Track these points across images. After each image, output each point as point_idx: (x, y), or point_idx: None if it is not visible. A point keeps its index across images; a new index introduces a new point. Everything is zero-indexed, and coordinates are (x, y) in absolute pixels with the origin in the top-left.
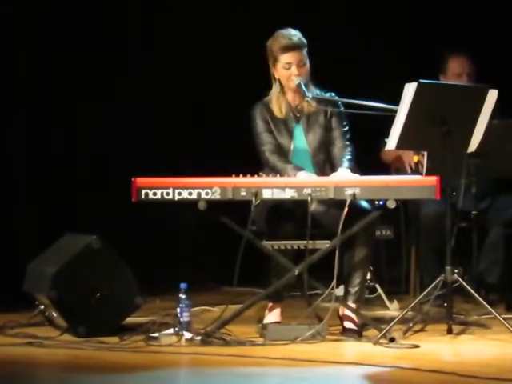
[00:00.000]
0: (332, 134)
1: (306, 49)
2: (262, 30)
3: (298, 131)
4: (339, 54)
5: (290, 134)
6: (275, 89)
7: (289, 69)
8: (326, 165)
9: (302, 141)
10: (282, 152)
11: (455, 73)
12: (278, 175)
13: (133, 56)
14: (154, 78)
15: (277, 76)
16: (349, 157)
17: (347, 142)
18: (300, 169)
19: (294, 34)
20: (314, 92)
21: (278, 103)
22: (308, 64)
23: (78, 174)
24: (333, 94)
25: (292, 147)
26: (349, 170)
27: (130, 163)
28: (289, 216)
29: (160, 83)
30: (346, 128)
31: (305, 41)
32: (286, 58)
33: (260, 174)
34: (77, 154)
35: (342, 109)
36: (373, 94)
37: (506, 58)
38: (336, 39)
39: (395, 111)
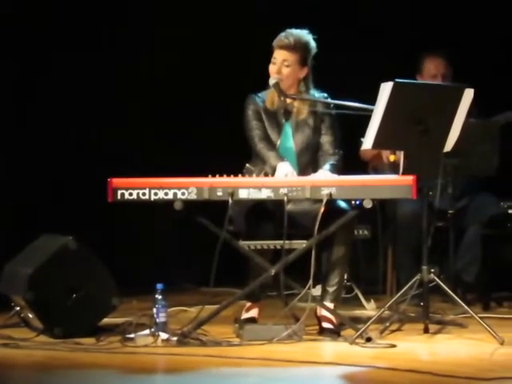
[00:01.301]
0: (320, 138)
1: (302, 54)
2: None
3: (287, 129)
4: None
5: (279, 129)
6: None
7: (274, 64)
8: (309, 167)
9: (289, 139)
10: (271, 142)
11: (430, 74)
12: (263, 164)
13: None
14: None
15: None
16: (333, 162)
17: (336, 150)
18: (282, 159)
19: (295, 36)
20: (308, 95)
21: (272, 95)
22: (298, 68)
23: (55, 173)
24: (325, 95)
25: (279, 144)
26: (327, 172)
27: (109, 163)
28: (268, 216)
29: (139, 82)
30: (337, 134)
31: (304, 45)
32: (275, 53)
33: (246, 165)
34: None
35: (333, 113)
36: (350, 93)
37: (483, 58)
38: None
39: (372, 111)
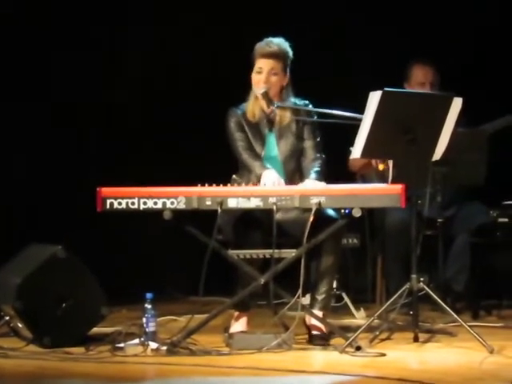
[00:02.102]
0: (303, 144)
1: (285, 61)
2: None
3: (271, 138)
4: (305, 62)
5: (263, 140)
6: (252, 93)
7: (259, 74)
8: (295, 174)
9: (273, 148)
10: (255, 153)
11: (418, 81)
12: (250, 174)
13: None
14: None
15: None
16: (317, 169)
17: (318, 154)
18: (267, 168)
19: (277, 43)
20: (290, 102)
21: (252, 107)
22: (282, 76)
23: (43, 183)
24: (307, 103)
25: (264, 154)
26: (316, 182)
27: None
28: (256, 225)
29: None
30: (318, 139)
31: (286, 53)
32: (259, 63)
33: (233, 176)
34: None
35: (315, 118)
36: (339, 102)
37: (471, 66)
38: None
39: (361, 120)
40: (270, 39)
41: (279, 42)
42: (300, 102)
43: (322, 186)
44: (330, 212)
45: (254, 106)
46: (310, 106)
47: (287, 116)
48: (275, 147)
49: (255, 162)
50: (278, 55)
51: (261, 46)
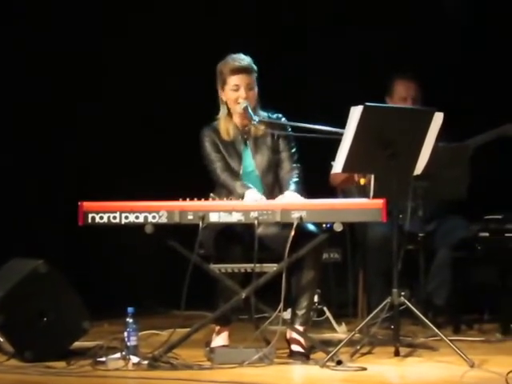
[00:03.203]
0: (279, 156)
1: (255, 74)
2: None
3: (247, 154)
4: (288, 77)
5: (239, 157)
6: (223, 112)
7: (237, 91)
8: (275, 186)
9: (250, 163)
10: (233, 172)
11: (401, 96)
12: (228, 195)
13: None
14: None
15: (224, 99)
16: (296, 179)
17: (294, 165)
18: (248, 187)
19: (244, 59)
20: (261, 115)
21: (225, 126)
22: (256, 89)
23: (27, 196)
24: (280, 116)
25: (241, 170)
26: (295, 193)
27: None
28: (237, 239)
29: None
30: (294, 150)
31: (254, 67)
32: (234, 80)
33: (211, 194)
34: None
35: (290, 130)
36: (320, 117)
37: (452, 82)
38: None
39: (342, 134)
40: (236, 55)
41: (245, 57)
42: (272, 115)
43: (301, 198)
44: (310, 226)
45: (227, 125)
46: (284, 119)
47: (261, 129)
48: (252, 162)
49: (236, 182)
50: (249, 70)
51: (230, 63)
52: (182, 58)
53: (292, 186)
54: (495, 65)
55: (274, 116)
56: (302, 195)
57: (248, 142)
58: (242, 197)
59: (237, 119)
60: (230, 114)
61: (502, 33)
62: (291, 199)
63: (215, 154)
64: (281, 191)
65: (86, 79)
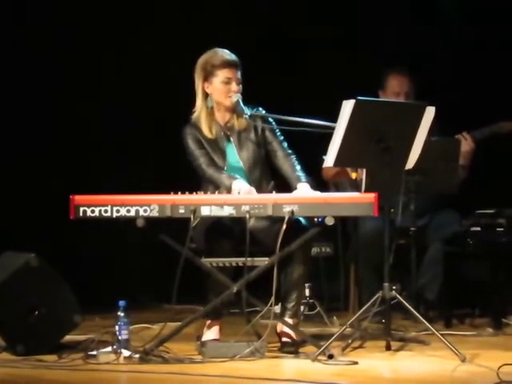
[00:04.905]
0: (270, 147)
1: (241, 70)
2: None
3: (230, 150)
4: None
5: (223, 154)
6: (202, 106)
7: (228, 83)
8: (262, 181)
9: (235, 159)
10: (218, 167)
11: (394, 91)
12: (215, 188)
13: None
14: None
15: (210, 91)
16: (299, 167)
17: (289, 151)
18: (235, 178)
19: (231, 53)
20: (246, 109)
21: (207, 123)
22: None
23: (16, 189)
24: (260, 109)
25: (226, 166)
26: (308, 185)
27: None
28: (227, 233)
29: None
30: (282, 138)
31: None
32: (226, 73)
33: (198, 192)
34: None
35: (274, 124)
36: (312, 110)
37: (445, 76)
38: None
39: (334, 128)
40: (221, 50)
41: (229, 52)
42: (252, 109)
43: (317, 192)
44: (302, 220)
45: (209, 122)
46: (264, 112)
47: (243, 122)
48: (237, 158)
49: (222, 175)
50: (239, 65)
51: (221, 55)
52: (177, 51)
53: (302, 178)
54: (489, 61)
55: (254, 110)
56: (309, 183)
57: (231, 138)
58: (229, 188)
59: (219, 114)
60: (211, 109)
61: (495, 29)
62: (308, 193)
63: (199, 150)
64: (267, 185)
65: (85, 79)
